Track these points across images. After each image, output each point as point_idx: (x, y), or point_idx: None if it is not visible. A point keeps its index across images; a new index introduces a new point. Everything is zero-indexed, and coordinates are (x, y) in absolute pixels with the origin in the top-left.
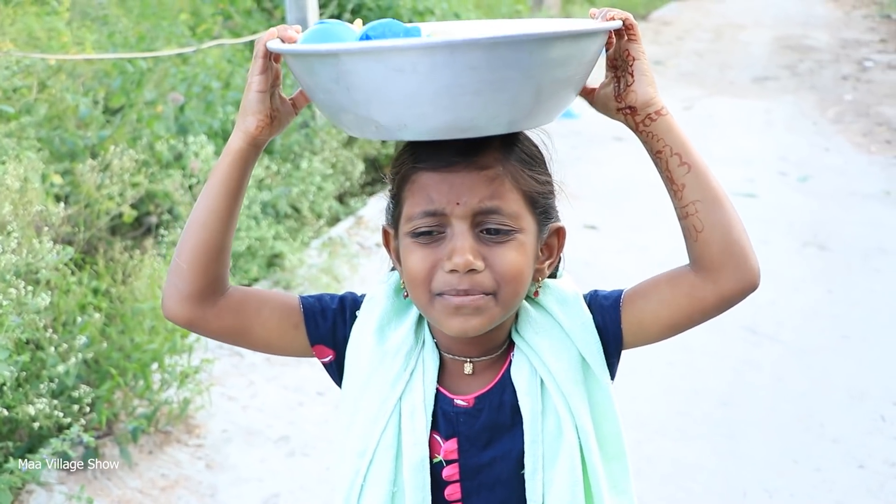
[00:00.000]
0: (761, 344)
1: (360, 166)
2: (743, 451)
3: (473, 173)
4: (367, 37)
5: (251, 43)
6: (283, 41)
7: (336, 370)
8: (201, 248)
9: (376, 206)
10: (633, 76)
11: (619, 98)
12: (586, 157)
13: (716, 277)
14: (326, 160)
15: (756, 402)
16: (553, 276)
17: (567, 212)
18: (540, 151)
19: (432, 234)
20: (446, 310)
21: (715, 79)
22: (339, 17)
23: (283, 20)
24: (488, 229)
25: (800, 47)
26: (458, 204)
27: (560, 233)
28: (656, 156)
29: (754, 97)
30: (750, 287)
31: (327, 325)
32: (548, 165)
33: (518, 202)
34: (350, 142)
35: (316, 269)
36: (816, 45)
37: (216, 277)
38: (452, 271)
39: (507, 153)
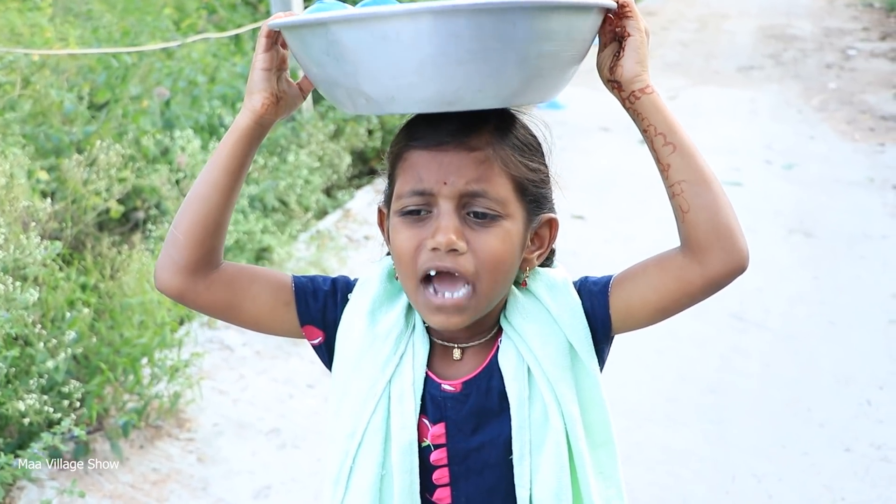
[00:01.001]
0: (748, 331)
1: (347, 159)
2: (731, 436)
3: (462, 154)
4: None
5: (236, 37)
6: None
7: (326, 352)
8: (199, 221)
9: (364, 199)
10: (623, 50)
11: (609, 70)
12: (572, 147)
13: (703, 259)
14: (313, 153)
15: (744, 388)
16: (547, 266)
17: (554, 202)
18: (537, 141)
19: (420, 213)
20: (428, 306)
21: (700, 68)
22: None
23: (267, 14)
24: (475, 212)
25: (784, 36)
26: (445, 184)
27: (552, 224)
28: (643, 133)
29: (739, 86)
30: (738, 269)
31: (318, 306)
32: (544, 156)
33: (506, 187)
34: (337, 135)
35: (304, 262)
36: (800, 35)
37: (211, 251)
38: (435, 249)
39: (500, 137)
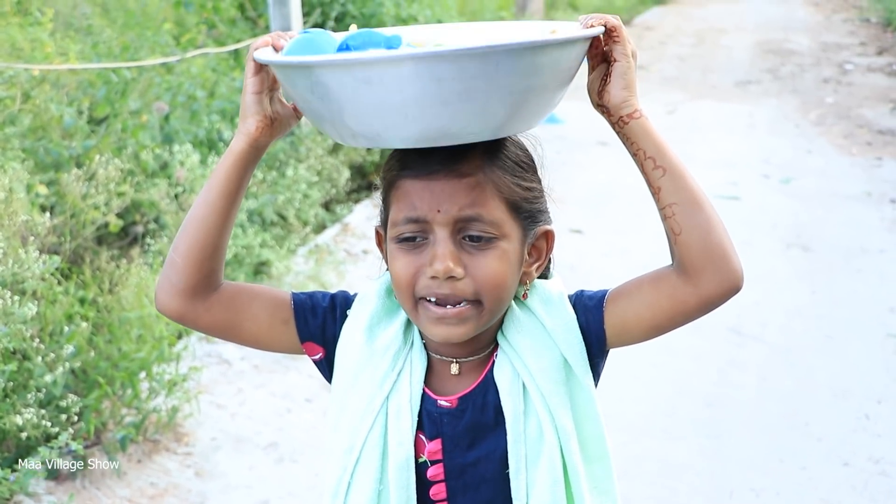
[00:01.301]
0: (746, 344)
1: (346, 173)
2: (729, 450)
3: (454, 181)
4: (346, 46)
5: (235, 52)
6: (275, 49)
7: (327, 368)
8: (197, 244)
9: (362, 213)
10: (610, 76)
11: (597, 95)
12: (571, 161)
13: (697, 280)
14: (312, 168)
15: (741, 402)
16: (544, 277)
17: (552, 216)
18: (528, 157)
19: (416, 240)
20: (429, 318)
21: (698, 83)
22: (322, 24)
23: (267, 29)
24: (470, 236)
25: (781, 51)
26: (438, 211)
27: (549, 235)
28: (633, 157)
29: (737, 101)
30: (732, 290)
31: (317, 323)
32: (536, 170)
33: (500, 209)
34: (335, 149)
35: (303, 276)
36: (798, 49)
37: (210, 273)
38: (433, 277)
39: (490, 160)
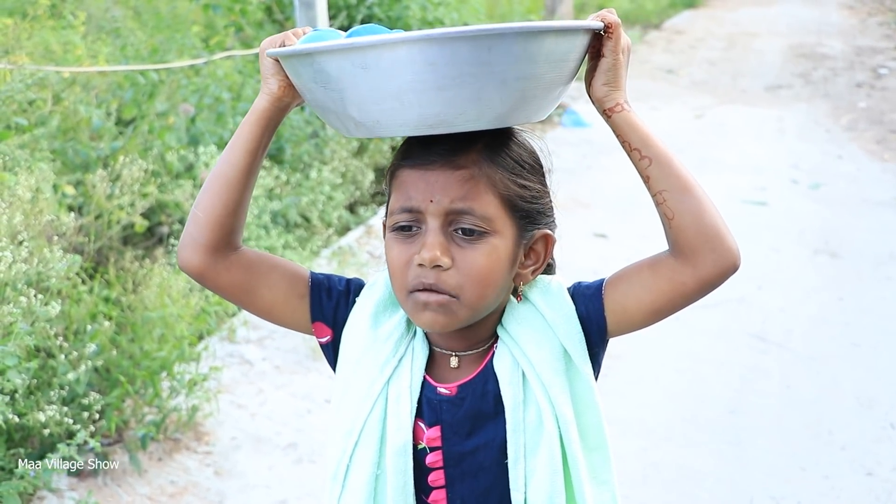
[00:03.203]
0: (770, 351)
1: (370, 175)
2: (750, 458)
3: (448, 172)
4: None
5: None
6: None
7: (332, 351)
8: (219, 200)
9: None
10: (595, 71)
11: (587, 87)
12: (597, 165)
13: (694, 262)
14: (336, 169)
15: (764, 409)
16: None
17: (577, 221)
18: (532, 158)
19: (410, 229)
20: (416, 305)
21: (727, 87)
22: (348, 27)
23: None
24: (461, 229)
25: (814, 55)
26: (431, 201)
27: (548, 239)
28: (622, 147)
29: (767, 105)
30: (730, 269)
31: (331, 304)
32: (541, 173)
33: (494, 205)
34: (360, 151)
35: None
36: (830, 53)
37: (230, 231)
38: (420, 265)
39: (488, 156)
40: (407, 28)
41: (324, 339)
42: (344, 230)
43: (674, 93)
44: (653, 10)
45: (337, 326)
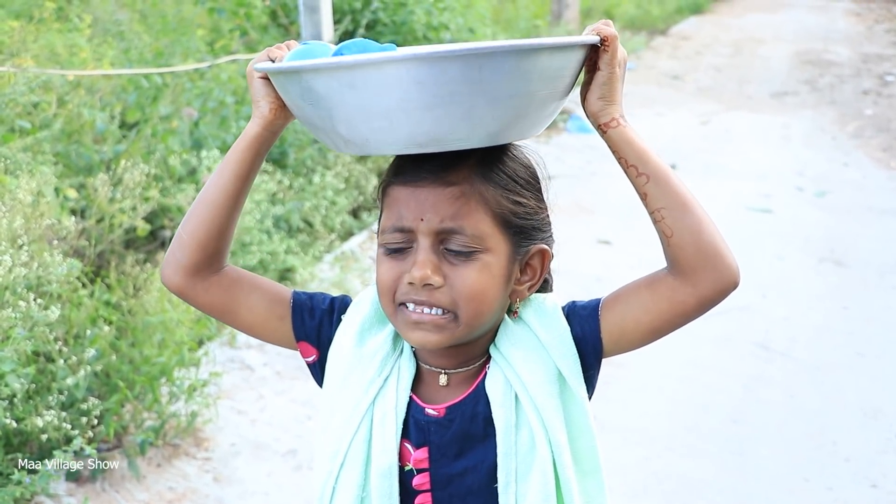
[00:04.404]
0: (773, 360)
1: (374, 180)
2: (752, 468)
3: (439, 189)
4: (340, 54)
5: None
6: (272, 61)
7: (319, 370)
8: (205, 224)
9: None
10: (590, 85)
11: (582, 102)
12: (601, 171)
13: (694, 280)
14: (339, 175)
15: (767, 418)
16: (543, 291)
17: (581, 227)
18: (528, 173)
19: (402, 250)
20: (406, 323)
21: (733, 94)
22: (353, 32)
23: (298, 36)
24: (452, 249)
25: (820, 62)
26: (422, 220)
27: (544, 255)
28: (619, 164)
29: (772, 112)
30: (730, 287)
31: (314, 324)
32: (537, 187)
33: (485, 222)
34: (363, 157)
35: (328, 283)
36: (837, 60)
37: (214, 254)
38: (411, 283)
39: (481, 172)
40: (412, 33)
41: (310, 359)
42: (347, 235)
43: (679, 99)
44: (659, 16)
45: (322, 346)
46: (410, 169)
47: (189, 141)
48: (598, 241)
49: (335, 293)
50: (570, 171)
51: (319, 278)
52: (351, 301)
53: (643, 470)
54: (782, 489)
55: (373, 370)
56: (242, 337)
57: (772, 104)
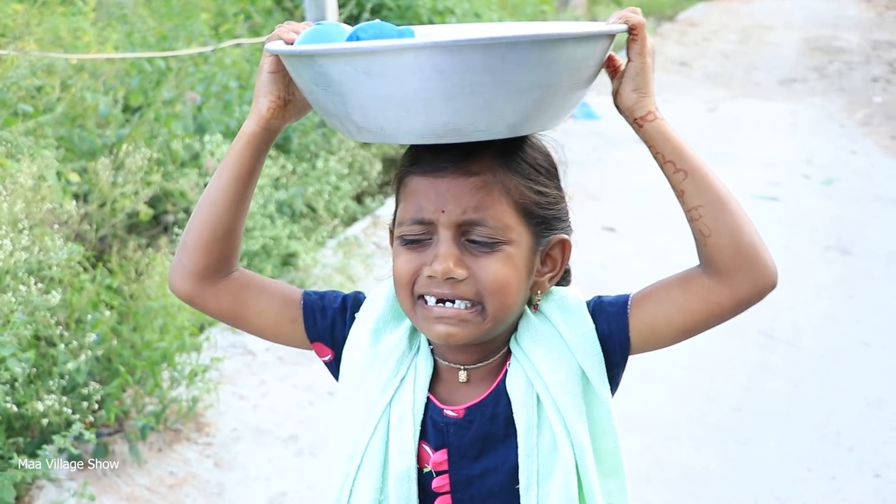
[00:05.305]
0: (778, 349)
1: (378, 166)
2: (756, 457)
3: (460, 180)
4: (356, 37)
5: None
6: (286, 42)
7: (336, 370)
8: (208, 227)
9: (394, 206)
10: (622, 78)
11: (614, 95)
12: (607, 158)
13: (730, 281)
14: (343, 160)
15: (771, 408)
16: (561, 284)
17: (586, 214)
18: (548, 161)
19: (421, 242)
20: (427, 317)
21: (741, 80)
22: (358, 16)
23: (302, 19)
24: (475, 240)
25: (829, 49)
26: (443, 212)
27: (565, 245)
28: (655, 159)
29: (780, 99)
30: (767, 288)
31: (326, 324)
32: (556, 176)
33: (508, 213)
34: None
35: (331, 268)
36: (846, 47)
37: (221, 258)
38: (431, 277)
39: (502, 161)
40: (417, 17)
41: (325, 359)
42: (350, 220)
43: (687, 85)
44: (666, 2)
45: (336, 345)
46: (429, 158)
47: (192, 125)
48: (603, 229)
49: (338, 279)
50: (576, 157)
51: (322, 264)
52: (362, 298)
53: (646, 458)
54: (785, 479)
55: (389, 370)
56: None
57: (780, 91)
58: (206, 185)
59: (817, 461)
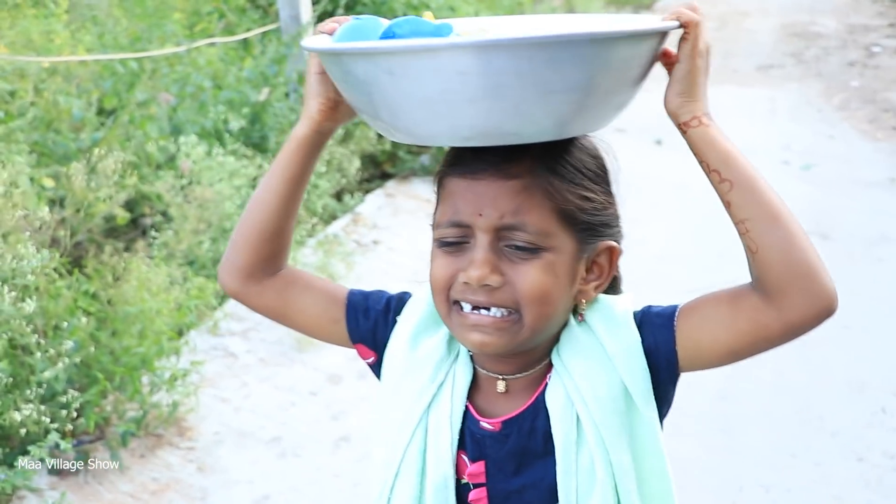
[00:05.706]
0: None
1: (357, 163)
2: (739, 445)
3: (499, 182)
4: (392, 34)
5: (244, 41)
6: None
7: (379, 372)
8: (256, 226)
9: (374, 204)
10: (670, 78)
11: (664, 98)
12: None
13: (780, 302)
14: (321, 158)
15: (754, 395)
16: (612, 292)
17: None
18: (597, 164)
19: (458, 244)
20: (462, 325)
21: (718, 67)
22: (332, 13)
23: (277, 18)
24: (513, 245)
25: (806, 34)
26: (480, 215)
27: (613, 252)
28: (700, 167)
29: (758, 85)
30: (823, 313)
31: (368, 325)
32: (606, 180)
33: (549, 219)
34: (346, 138)
35: (311, 267)
36: (823, 32)
37: (269, 256)
38: (467, 283)
39: (545, 163)
40: (392, 12)
41: (369, 361)
42: (330, 219)
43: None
44: None
45: (379, 348)
46: (468, 158)
47: (168, 127)
48: None
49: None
50: None
51: (302, 263)
52: (406, 299)
53: None
54: (769, 466)
55: (426, 376)
56: (225, 324)
57: (758, 77)
58: (182, 188)
59: (801, 447)
